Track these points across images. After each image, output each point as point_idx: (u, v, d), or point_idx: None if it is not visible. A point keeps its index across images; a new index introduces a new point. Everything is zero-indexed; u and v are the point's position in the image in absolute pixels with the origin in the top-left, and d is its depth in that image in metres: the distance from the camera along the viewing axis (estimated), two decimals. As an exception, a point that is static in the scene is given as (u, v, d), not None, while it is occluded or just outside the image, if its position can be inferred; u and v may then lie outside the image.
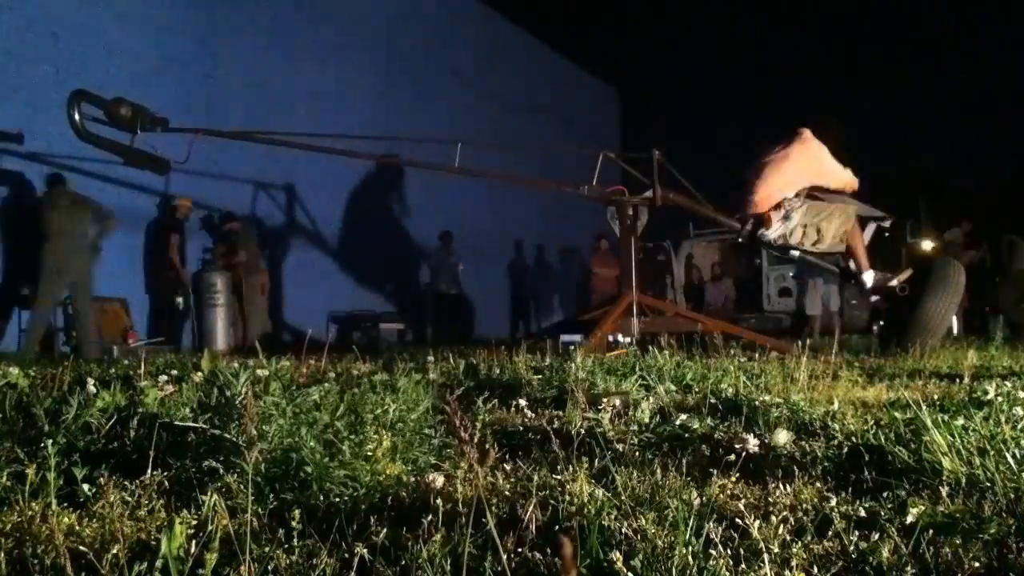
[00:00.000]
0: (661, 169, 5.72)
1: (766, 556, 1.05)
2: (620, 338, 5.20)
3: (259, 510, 1.32)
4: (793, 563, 1.08)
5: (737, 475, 1.54)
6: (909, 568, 1.05)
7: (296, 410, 1.60)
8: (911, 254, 9.21)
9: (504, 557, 1.00)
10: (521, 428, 2.21)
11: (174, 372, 2.85)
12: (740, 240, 5.89)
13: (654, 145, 5.75)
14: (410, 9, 12.16)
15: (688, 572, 1.04)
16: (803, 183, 5.34)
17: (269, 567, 1.09)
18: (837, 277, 6.69)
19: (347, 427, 1.63)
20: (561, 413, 2.41)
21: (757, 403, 2.32)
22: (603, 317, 5.66)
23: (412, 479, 1.55)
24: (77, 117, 5.68)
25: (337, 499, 1.42)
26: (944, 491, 1.38)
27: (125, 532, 1.24)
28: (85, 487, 1.44)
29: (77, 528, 1.26)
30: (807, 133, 5.41)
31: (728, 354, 3.94)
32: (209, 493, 1.33)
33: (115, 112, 5.72)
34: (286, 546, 1.14)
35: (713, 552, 1.07)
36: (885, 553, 1.09)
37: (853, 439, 1.81)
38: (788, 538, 1.15)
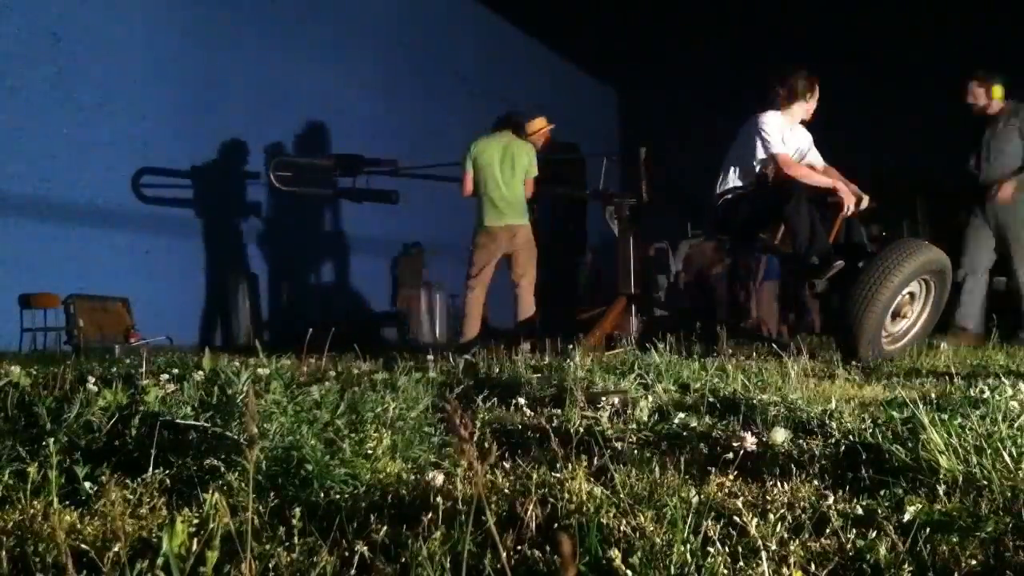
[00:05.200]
0: (648, 168, 5.76)
1: (764, 554, 1.05)
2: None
3: (260, 508, 1.32)
4: (791, 560, 1.08)
5: (735, 473, 1.54)
6: (906, 566, 1.06)
7: (297, 408, 1.61)
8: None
9: (504, 555, 1.01)
10: (520, 426, 2.21)
11: (175, 371, 2.85)
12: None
13: (641, 144, 5.80)
14: (410, 10, 12.16)
15: (686, 569, 1.05)
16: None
17: (270, 565, 1.09)
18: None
19: (347, 425, 1.64)
20: (560, 411, 2.42)
21: (755, 401, 2.33)
22: (601, 316, 5.68)
23: (412, 477, 1.55)
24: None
25: (337, 497, 1.43)
26: (941, 489, 1.38)
27: (127, 530, 1.24)
28: (87, 485, 1.44)
29: (79, 526, 1.26)
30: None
31: (726, 353, 3.94)
32: (210, 491, 1.33)
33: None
34: (287, 544, 1.15)
35: (711, 549, 1.08)
36: (882, 551, 1.10)
37: (850, 437, 1.82)
38: (786, 536, 1.15)
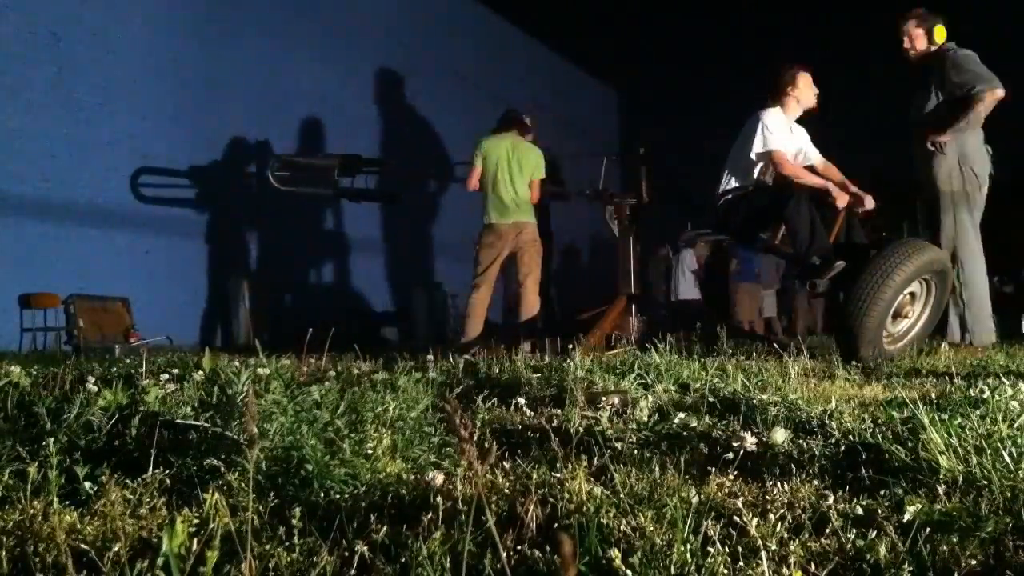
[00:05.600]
0: (647, 168, 5.78)
1: (764, 554, 1.05)
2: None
3: (260, 508, 1.32)
4: (791, 560, 1.08)
5: (735, 473, 1.54)
6: (906, 566, 1.06)
7: (297, 408, 1.61)
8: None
9: (504, 554, 1.01)
10: (520, 426, 2.21)
11: (175, 371, 2.86)
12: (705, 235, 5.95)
13: (641, 144, 5.82)
14: (411, 10, 12.16)
15: (686, 569, 1.05)
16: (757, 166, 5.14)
17: (270, 564, 1.09)
18: None
19: (347, 425, 1.64)
20: (560, 411, 2.42)
21: (755, 401, 2.33)
22: (601, 316, 5.68)
23: (412, 477, 1.55)
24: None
25: (337, 497, 1.43)
26: (941, 489, 1.38)
27: (127, 530, 1.24)
28: (87, 485, 1.44)
29: (79, 526, 1.26)
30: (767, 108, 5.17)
31: (726, 353, 3.94)
32: (210, 491, 1.33)
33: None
34: (287, 544, 1.15)
35: (711, 549, 1.08)
36: (882, 551, 1.10)
37: (850, 437, 1.82)
38: (786, 536, 1.15)
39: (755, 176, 4.98)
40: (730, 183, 5.04)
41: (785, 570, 1.05)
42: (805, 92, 5.02)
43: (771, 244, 5.21)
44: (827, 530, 1.20)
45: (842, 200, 4.72)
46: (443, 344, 5.70)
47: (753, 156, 4.89)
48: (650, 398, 2.31)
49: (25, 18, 7.48)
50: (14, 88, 7.36)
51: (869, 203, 4.81)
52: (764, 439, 1.77)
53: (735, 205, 5.01)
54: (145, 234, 8.37)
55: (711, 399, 2.50)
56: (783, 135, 4.89)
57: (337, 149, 9.37)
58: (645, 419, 2.11)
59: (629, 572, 1.01)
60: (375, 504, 1.39)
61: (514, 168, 5.86)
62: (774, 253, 5.75)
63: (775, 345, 4.58)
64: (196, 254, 8.94)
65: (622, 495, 1.37)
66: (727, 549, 1.09)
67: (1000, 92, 4.95)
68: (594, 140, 13.86)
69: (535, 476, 1.51)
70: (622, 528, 1.19)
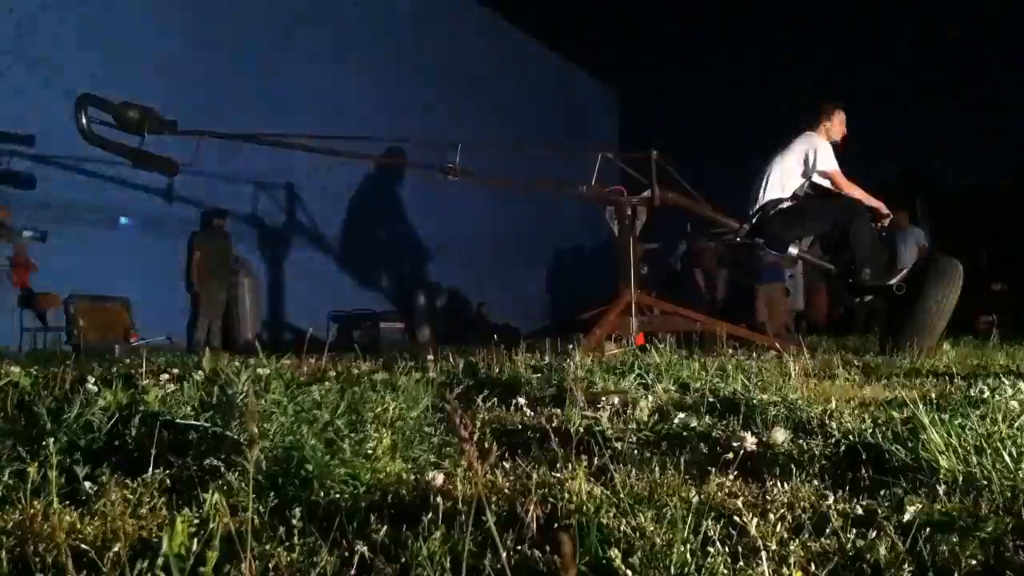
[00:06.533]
0: (659, 169, 5.77)
1: (764, 554, 1.05)
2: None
3: (260, 508, 1.32)
4: (791, 560, 1.08)
5: (735, 473, 1.54)
6: (906, 566, 1.06)
7: (297, 408, 1.61)
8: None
9: (504, 555, 1.01)
10: (520, 427, 2.21)
11: (175, 371, 2.86)
12: (738, 239, 5.94)
13: (652, 145, 5.81)
14: (411, 10, 12.16)
15: (686, 569, 1.05)
16: (798, 181, 5.39)
17: (270, 565, 1.09)
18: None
19: (347, 425, 1.63)
20: (560, 412, 2.42)
21: (755, 401, 2.33)
22: (600, 316, 5.67)
23: (412, 477, 1.55)
24: (84, 121, 5.65)
25: (337, 497, 1.43)
26: (941, 489, 1.38)
27: (127, 530, 1.24)
28: (87, 485, 1.44)
29: (79, 526, 1.26)
30: (809, 132, 5.46)
31: (726, 353, 3.94)
32: (210, 491, 1.33)
33: (123, 115, 5.68)
34: (287, 544, 1.15)
35: (711, 550, 1.08)
36: (882, 551, 1.10)
37: (850, 437, 1.82)
38: (786, 536, 1.15)
39: (794, 189, 5.35)
40: (770, 194, 5.38)
41: (785, 570, 1.05)
42: (837, 128, 5.48)
43: (802, 252, 5.59)
44: (827, 530, 1.20)
45: (887, 218, 5.35)
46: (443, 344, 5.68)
47: (810, 171, 5.28)
48: (650, 398, 2.31)
49: (25, 17, 7.48)
50: (15, 88, 7.36)
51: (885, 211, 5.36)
52: (764, 439, 1.77)
53: (784, 214, 5.33)
54: (145, 234, 8.37)
55: (711, 399, 2.50)
56: (832, 156, 5.30)
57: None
58: (645, 419, 2.11)
59: (629, 572, 1.01)
60: (375, 504, 1.39)
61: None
62: (805, 261, 6.08)
63: (776, 344, 4.59)
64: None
65: (622, 495, 1.37)
66: (727, 549, 1.09)
67: None
68: (594, 139, 13.85)
69: (535, 476, 1.51)
70: (622, 528, 1.19)
